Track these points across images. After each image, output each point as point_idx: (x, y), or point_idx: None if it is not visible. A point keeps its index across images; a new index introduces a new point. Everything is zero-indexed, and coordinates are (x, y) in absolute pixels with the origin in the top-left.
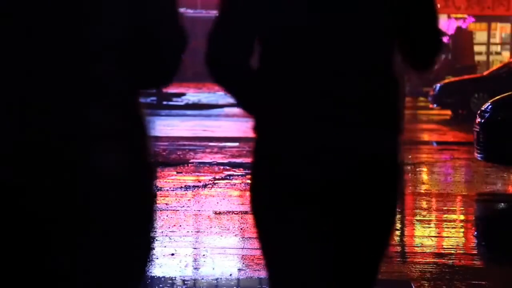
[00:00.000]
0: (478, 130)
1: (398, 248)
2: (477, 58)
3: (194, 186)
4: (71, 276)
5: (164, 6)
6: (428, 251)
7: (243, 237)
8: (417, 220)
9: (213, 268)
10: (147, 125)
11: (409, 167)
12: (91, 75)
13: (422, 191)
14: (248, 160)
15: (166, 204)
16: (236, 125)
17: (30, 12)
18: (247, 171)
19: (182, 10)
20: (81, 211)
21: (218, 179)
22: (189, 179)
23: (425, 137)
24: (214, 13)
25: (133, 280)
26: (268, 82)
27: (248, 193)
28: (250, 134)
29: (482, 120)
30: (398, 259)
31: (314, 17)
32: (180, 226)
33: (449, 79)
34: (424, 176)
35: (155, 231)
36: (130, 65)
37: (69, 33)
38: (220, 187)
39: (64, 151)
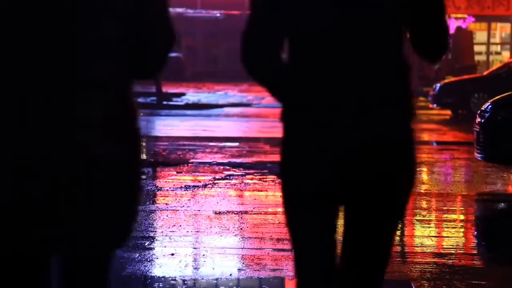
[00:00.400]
0: (478, 130)
1: (398, 248)
2: (477, 58)
3: (194, 186)
4: (70, 232)
5: (153, 4)
6: (428, 251)
7: (243, 237)
8: (417, 220)
9: (213, 268)
10: (137, 110)
11: None
12: (84, 66)
13: (422, 191)
14: (248, 160)
15: (166, 204)
16: (236, 125)
17: (28, 10)
18: (247, 171)
19: (181, 10)
20: (80, 178)
21: (218, 179)
22: (189, 179)
23: (425, 137)
24: (214, 13)
25: (123, 234)
26: (297, 74)
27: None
28: (250, 134)
29: (482, 120)
30: (398, 259)
31: (338, 13)
32: (180, 226)
33: (449, 79)
34: (424, 176)
35: (140, 204)
36: (121, 57)
37: (62, 28)
38: (220, 187)
39: (64, 133)
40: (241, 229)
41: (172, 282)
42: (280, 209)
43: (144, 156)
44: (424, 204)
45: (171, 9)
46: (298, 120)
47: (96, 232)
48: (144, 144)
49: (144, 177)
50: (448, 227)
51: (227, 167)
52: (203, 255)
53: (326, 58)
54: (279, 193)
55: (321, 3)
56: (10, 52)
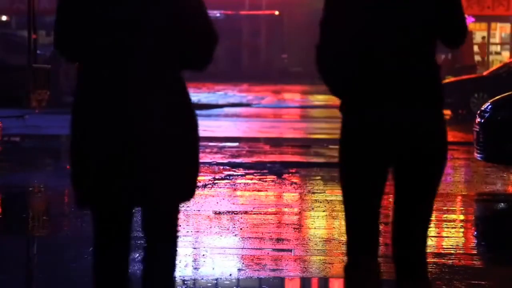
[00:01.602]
0: (478, 130)
1: None
2: (477, 58)
3: None
4: (146, 184)
5: (196, 12)
6: (428, 251)
7: (243, 237)
8: None
9: (213, 268)
10: (188, 93)
11: None
12: (151, 69)
13: None
14: (248, 160)
15: None
16: (236, 125)
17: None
18: (247, 171)
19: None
20: (155, 149)
21: (218, 179)
22: None
23: None
24: (214, 13)
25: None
26: (353, 75)
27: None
28: (250, 134)
29: (482, 120)
30: None
31: (383, 16)
32: (180, 226)
33: (449, 79)
34: None
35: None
36: (175, 55)
37: (135, 41)
38: (220, 187)
39: (142, 116)
40: (241, 229)
41: None
42: (280, 209)
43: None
44: None
45: None
46: (354, 110)
47: (169, 189)
48: None
49: None
50: (448, 227)
51: (227, 167)
52: (203, 255)
53: (374, 60)
54: (279, 193)
55: (367, 14)
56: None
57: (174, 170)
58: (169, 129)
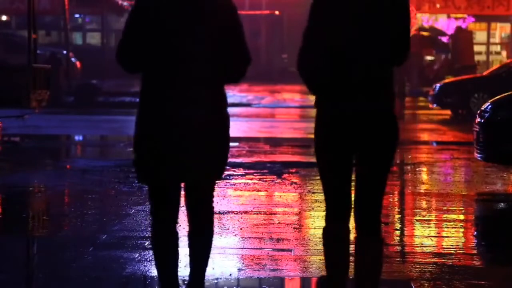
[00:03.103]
0: (478, 130)
1: (398, 248)
2: (477, 58)
3: None
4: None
5: (236, 38)
6: (428, 251)
7: (243, 237)
8: (417, 220)
9: (213, 268)
10: (226, 99)
11: (409, 167)
12: (196, 69)
13: (422, 191)
14: (248, 160)
15: None
16: (236, 125)
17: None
18: (247, 171)
19: None
20: (196, 134)
21: None
22: None
23: (425, 137)
24: None
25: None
26: (326, 76)
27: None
28: (250, 134)
29: (482, 120)
30: (398, 259)
31: (351, 31)
32: (180, 226)
33: (449, 79)
34: (424, 176)
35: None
36: (219, 70)
37: (188, 48)
38: (220, 187)
39: (186, 106)
40: (241, 229)
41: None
42: (280, 209)
43: None
44: (424, 204)
45: None
46: (324, 104)
47: (207, 170)
48: None
49: None
50: (448, 227)
51: (227, 167)
52: None
53: (341, 64)
54: (279, 193)
55: (342, 25)
56: (164, 59)
57: (211, 156)
58: (211, 122)
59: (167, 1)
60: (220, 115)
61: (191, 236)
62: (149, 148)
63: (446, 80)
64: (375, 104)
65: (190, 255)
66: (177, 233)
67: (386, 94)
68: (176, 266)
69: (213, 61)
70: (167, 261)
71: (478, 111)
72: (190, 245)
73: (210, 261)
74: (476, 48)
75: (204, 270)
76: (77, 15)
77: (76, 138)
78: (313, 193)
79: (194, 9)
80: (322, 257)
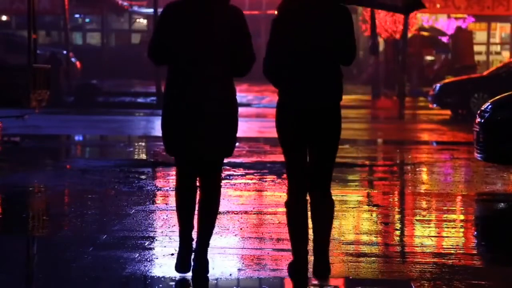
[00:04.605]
0: (478, 130)
1: (398, 248)
2: (477, 58)
3: None
4: (205, 136)
5: (244, 41)
6: (428, 251)
7: (243, 237)
8: (417, 220)
9: (213, 268)
10: (235, 91)
11: (409, 167)
12: (212, 68)
13: (422, 191)
14: (248, 160)
15: (166, 204)
16: None
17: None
18: (247, 171)
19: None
20: (211, 120)
21: None
22: None
23: (425, 137)
24: None
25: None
26: (284, 75)
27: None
28: (250, 134)
29: (482, 120)
30: (398, 259)
31: (304, 41)
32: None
33: (449, 79)
34: (424, 176)
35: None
36: (227, 65)
37: (207, 52)
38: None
39: (203, 100)
40: (241, 229)
41: (172, 282)
42: (280, 209)
43: (145, 156)
44: (424, 204)
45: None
46: (283, 99)
47: (220, 147)
48: (144, 144)
49: (144, 177)
50: (448, 227)
51: (227, 167)
52: None
53: (296, 68)
54: (279, 193)
55: (295, 39)
56: (187, 63)
57: (223, 136)
58: (222, 110)
59: (189, 12)
60: (230, 104)
61: (201, 203)
62: (175, 129)
63: (446, 80)
64: (324, 103)
65: (199, 220)
66: (196, 187)
67: (334, 91)
68: (193, 214)
69: (225, 62)
70: (187, 208)
71: (478, 111)
72: (200, 210)
73: (210, 261)
74: (476, 48)
75: (209, 237)
76: (77, 15)
77: (76, 138)
78: None
79: (210, 20)
80: None
